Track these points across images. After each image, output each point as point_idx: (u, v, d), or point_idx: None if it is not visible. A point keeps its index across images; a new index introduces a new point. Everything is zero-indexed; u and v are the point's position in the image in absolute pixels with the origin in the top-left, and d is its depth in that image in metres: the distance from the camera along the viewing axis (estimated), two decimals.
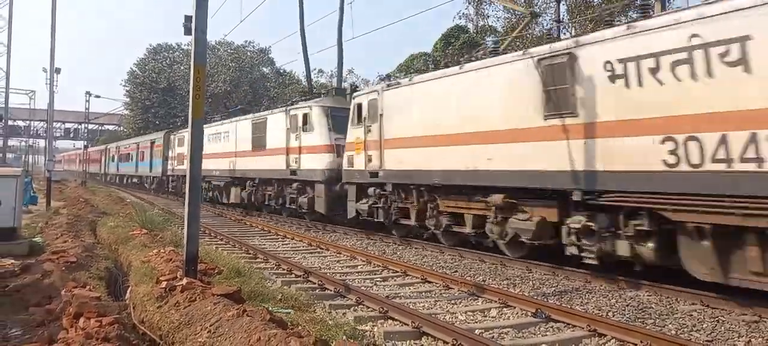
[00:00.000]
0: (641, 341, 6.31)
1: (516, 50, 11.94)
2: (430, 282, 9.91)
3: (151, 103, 61.27)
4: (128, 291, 8.65)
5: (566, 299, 8.64)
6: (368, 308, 8.06)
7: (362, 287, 9.33)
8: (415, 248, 13.80)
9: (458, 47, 30.58)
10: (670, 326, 7.24)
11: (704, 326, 7.21)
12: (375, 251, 13.40)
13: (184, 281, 7.54)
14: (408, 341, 6.61)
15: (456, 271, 10.99)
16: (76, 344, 4.94)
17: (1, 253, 11.04)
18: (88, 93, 49.97)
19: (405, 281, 10.19)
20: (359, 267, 11.59)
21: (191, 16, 8.27)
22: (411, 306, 8.02)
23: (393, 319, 7.46)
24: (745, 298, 7.83)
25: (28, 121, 71.68)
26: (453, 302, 8.61)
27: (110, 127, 79.32)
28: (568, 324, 7.21)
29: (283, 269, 11.07)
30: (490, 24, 37.17)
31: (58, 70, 26.37)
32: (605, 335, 6.72)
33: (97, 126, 77.04)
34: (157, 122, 57.38)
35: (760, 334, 6.83)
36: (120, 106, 65.04)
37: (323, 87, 44.11)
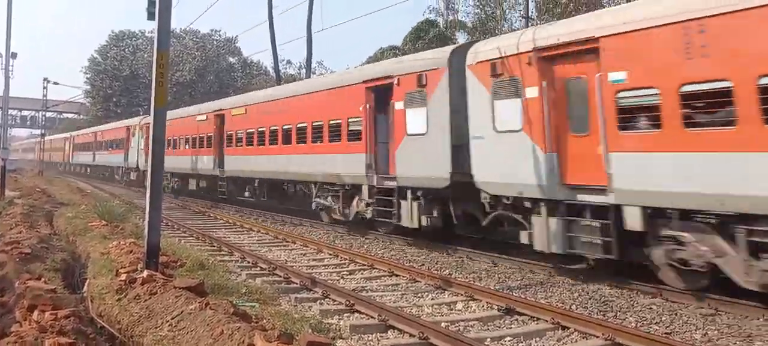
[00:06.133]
0: (603, 334, 6.43)
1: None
2: (397, 275, 9.91)
3: (112, 92, 59.61)
4: (86, 284, 8.38)
5: (531, 293, 8.75)
6: (334, 301, 8.00)
7: (329, 280, 9.26)
8: (383, 242, 13.78)
9: (428, 42, 30.64)
10: (630, 319, 7.41)
11: (663, 319, 7.39)
12: (342, 245, 13.32)
13: (145, 273, 7.35)
14: (374, 335, 6.58)
15: (423, 264, 11.02)
16: (29, 337, 4.74)
17: None
18: (46, 80, 48.19)
19: (372, 274, 10.16)
20: (326, 260, 11.51)
21: (155, 0, 8.03)
22: (378, 299, 8.00)
23: (359, 312, 7.42)
24: (704, 292, 8.05)
25: None
26: (420, 295, 8.62)
27: (69, 116, 76.80)
28: (533, 317, 7.30)
29: (248, 262, 10.91)
30: (459, 19, 37.42)
31: (14, 55, 25.37)
32: (568, 328, 6.83)
33: (55, 114, 74.43)
34: (118, 111, 55.85)
35: (716, 326, 7.04)
36: (79, 93, 63.03)
37: (292, 79, 43.61)
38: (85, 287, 8.24)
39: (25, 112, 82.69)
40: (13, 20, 23.10)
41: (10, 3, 23.07)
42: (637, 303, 8.14)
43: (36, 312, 5.73)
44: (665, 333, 6.81)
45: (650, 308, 7.86)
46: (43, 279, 7.49)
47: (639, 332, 6.61)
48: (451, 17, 38.31)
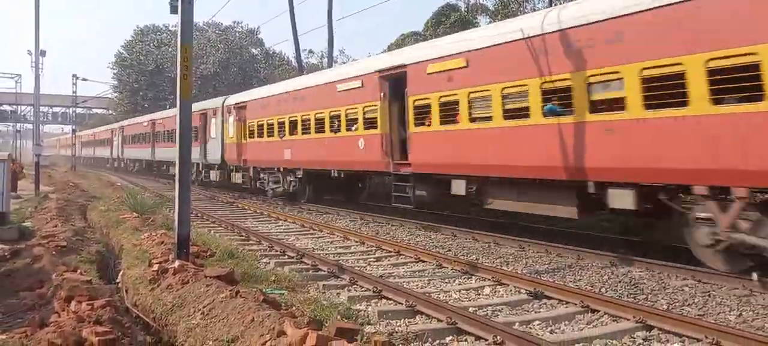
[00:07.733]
0: (634, 316, 6.35)
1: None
2: (423, 261, 9.92)
3: (139, 86, 60.56)
4: (120, 274, 8.60)
5: (559, 276, 8.69)
6: (362, 287, 8.06)
7: (356, 267, 9.32)
8: (409, 228, 13.81)
9: (449, 26, 30.35)
10: (662, 301, 7.29)
11: (696, 300, 7.26)
12: (368, 232, 13.39)
13: (176, 263, 7.50)
14: (402, 320, 6.61)
15: (449, 250, 11.01)
16: (67, 326, 4.89)
17: None
18: (74, 76, 49.25)
19: (398, 260, 10.20)
20: (353, 248, 11.58)
21: None
22: (405, 285, 8.03)
23: (387, 298, 7.46)
24: (739, 273, 7.90)
25: (15, 106, 70.56)
26: (447, 280, 8.63)
27: (99, 111, 78.25)
28: (562, 300, 7.25)
29: (277, 251, 11.05)
30: (481, 2, 36.90)
31: (43, 53, 25.92)
32: (598, 311, 6.76)
33: (85, 110, 75.96)
34: (145, 105, 56.78)
35: (751, 307, 6.89)
36: (108, 89, 64.23)
37: (315, 68, 43.71)
38: (120, 278, 8.46)
39: (55, 109, 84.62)
40: (44, 18, 23.56)
41: (38, 2, 23.56)
42: (668, 285, 8.01)
43: (73, 303, 5.91)
44: (698, 315, 6.69)
45: (682, 290, 7.73)
46: (79, 271, 7.72)
47: (671, 313, 6.50)
48: (472, 1, 37.82)
